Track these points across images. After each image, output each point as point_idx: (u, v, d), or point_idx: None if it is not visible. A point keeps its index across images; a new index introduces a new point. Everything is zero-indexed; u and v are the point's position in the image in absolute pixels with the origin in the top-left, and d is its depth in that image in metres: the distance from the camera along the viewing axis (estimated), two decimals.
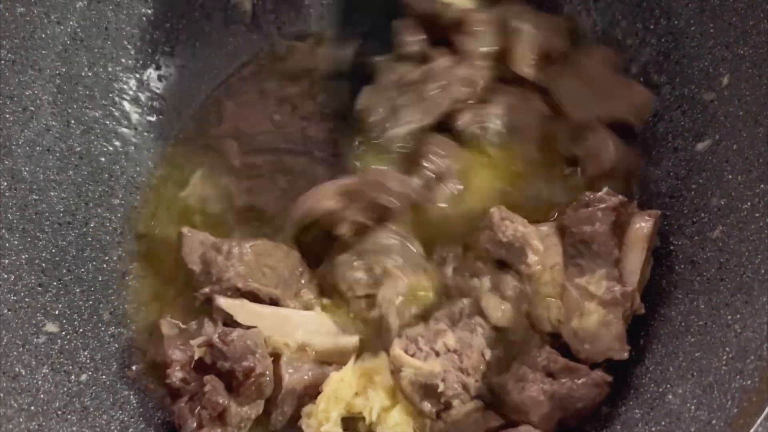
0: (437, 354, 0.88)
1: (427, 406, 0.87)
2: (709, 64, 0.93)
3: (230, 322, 0.92)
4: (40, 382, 0.86)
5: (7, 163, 0.92)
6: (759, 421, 0.73)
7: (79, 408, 0.88)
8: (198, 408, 0.87)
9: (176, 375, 0.88)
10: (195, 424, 0.87)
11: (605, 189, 0.94)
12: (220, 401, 0.86)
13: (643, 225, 0.92)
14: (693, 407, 0.80)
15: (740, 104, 0.89)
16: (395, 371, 0.88)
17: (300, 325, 0.93)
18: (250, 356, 0.86)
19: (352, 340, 0.94)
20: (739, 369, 0.77)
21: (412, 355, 0.88)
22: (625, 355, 0.88)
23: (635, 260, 0.92)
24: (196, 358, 0.89)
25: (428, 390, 0.87)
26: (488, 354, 0.89)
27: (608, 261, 0.91)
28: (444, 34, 1.03)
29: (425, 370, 0.86)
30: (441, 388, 0.86)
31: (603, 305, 0.89)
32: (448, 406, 0.87)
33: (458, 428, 0.87)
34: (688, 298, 0.89)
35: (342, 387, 0.89)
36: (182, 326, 0.95)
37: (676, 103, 0.97)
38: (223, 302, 0.92)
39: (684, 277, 0.91)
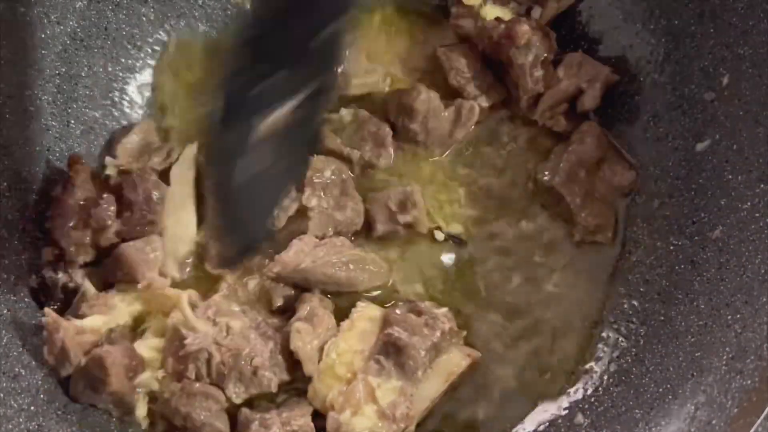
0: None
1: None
2: (709, 64, 0.93)
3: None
4: (40, 382, 0.86)
5: (7, 163, 0.92)
6: (759, 421, 0.73)
7: (79, 408, 0.88)
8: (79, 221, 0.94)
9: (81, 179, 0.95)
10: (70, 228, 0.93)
11: (444, 309, 0.92)
12: (106, 219, 0.93)
13: (458, 360, 0.91)
14: (693, 407, 0.80)
15: (740, 104, 0.89)
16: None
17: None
18: (154, 205, 0.95)
19: None
20: (739, 369, 0.77)
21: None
22: None
23: (433, 388, 0.90)
24: (108, 173, 0.98)
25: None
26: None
27: (409, 377, 0.88)
28: (497, 55, 1.02)
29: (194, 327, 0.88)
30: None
31: (379, 415, 0.87)
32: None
33: None
34: (688, 298, 0.89)
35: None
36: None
37: (676, 103, 0.97)
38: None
39: (684, 277, 0.91)
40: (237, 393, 0.89)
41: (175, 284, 0.95)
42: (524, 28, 0.98)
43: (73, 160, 0.97)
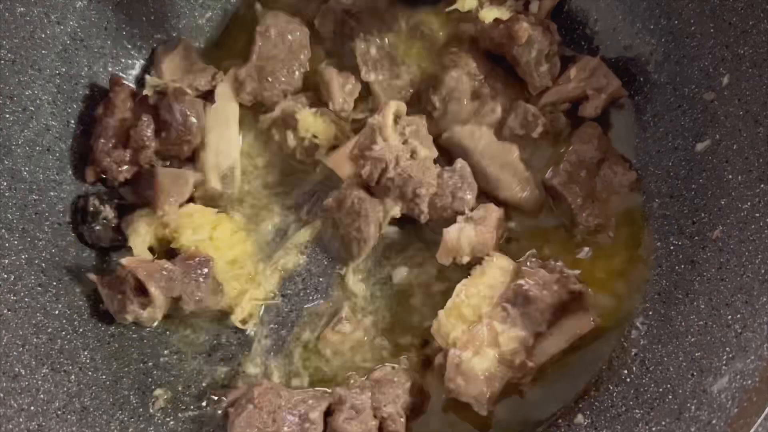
0: None
1: None
2: (709, 64, 0.93)
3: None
4: (40, 382, 0.86)
5: (7, 163, 0.92)
6: (759, 421, 0.73)
7: (79, 408, 0.88)
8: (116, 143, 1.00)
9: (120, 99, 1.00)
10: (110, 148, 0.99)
11: (577, 271, 0.94)
12: (146, 139, 0.98)
13: (582, 322, 0.92)
14: (693, 407, 0.80)
15: (740, 104, 0.89)
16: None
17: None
18: (191, 125, 0.99)
19: None
20: (739, 369, 0.77)
21: None
22: (483, 413, 0.89)
23: (554, 345, 0.91)
24: (146, 92, 1.00)
25: None
26: None
27: (532, 329, 0.90)
28: (502, 54, 1.02)
29: None
30: None
31: (499, 360, 0.89)
32: None
33: None
34: (688, 298, 0.89)
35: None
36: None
37: (676, 103, 0.97)
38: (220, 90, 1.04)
39: (684, 277, 0.91)
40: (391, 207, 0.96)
41: (216, 198, 1.02)
42: (524, 26, 0.98)
43: (114, 81, 1.01)
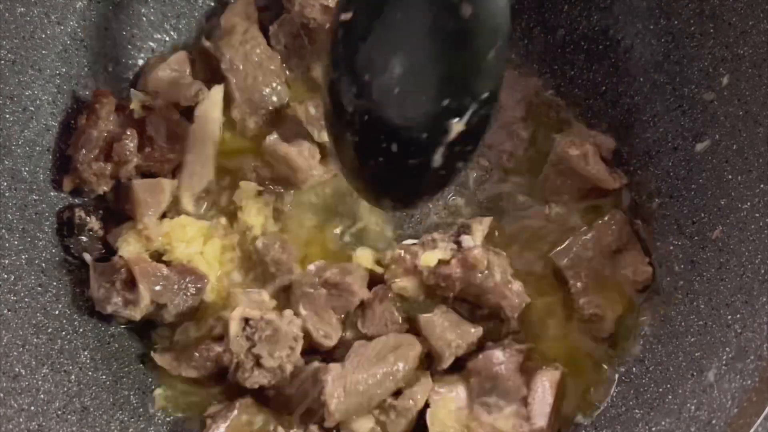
0: None
1: None
2: (709, 64, 0.93)
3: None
4: (40, 382, 0.86)
5: (7, 163, 0.92)
6: (759, 421, 0.73)
7: (79, 408, 0.88)
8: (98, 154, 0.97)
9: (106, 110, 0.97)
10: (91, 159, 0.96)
11: (510, 337, 0.93)
12: (128, 154, 0.96)
13: (552, 376, 0.90)
14: (693, 407, 0.80)
15: (740, 104, 0.89)
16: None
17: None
18: (174, 144, 0.98)
19: None
20: (739, 369, 0.77)
21: None
22: None
23: (544, 401, 0.90)
24: (132, 107, 1.00)
25: None
26: None
27: (516, 398, 0.89)
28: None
29: None
30: None
31: None
32: None
33: None
34: (688, 298, 0.89)
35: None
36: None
37: (676, 103, 0.97)
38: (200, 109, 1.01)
39: (684, 277, 0.91)
40: None
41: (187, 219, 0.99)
42: (477, 252, 0.93)
43: (99, 93, 0.99)
